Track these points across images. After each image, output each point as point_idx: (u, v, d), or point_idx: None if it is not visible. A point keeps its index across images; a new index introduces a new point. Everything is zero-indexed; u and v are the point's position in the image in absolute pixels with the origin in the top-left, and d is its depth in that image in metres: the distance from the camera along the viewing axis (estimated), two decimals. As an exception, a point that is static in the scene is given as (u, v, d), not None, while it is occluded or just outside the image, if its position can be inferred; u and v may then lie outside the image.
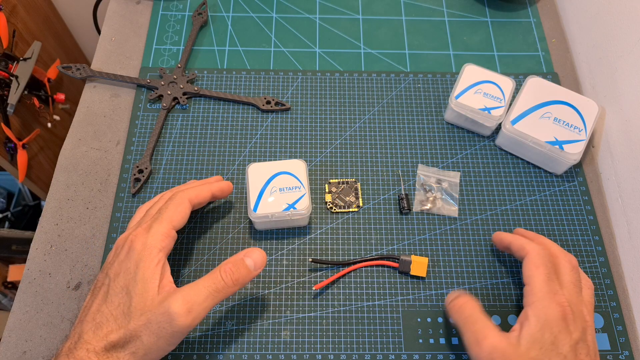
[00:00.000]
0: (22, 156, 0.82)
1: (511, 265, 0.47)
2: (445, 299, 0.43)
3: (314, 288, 0.44)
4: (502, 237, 0.44)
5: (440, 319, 0.44)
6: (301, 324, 0.44)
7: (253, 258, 0.38)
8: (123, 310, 0.35)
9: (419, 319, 0.44)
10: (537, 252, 0.40)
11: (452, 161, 0.52)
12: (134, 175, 0.50)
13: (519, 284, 0.46)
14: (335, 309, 0.45)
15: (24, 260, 0.77)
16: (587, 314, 0.38)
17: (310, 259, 0.45)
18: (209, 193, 0.43)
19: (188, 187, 0.43)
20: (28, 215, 1.10)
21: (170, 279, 0.37)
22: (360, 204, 0.49)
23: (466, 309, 0.39)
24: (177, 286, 0.37)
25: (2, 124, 0.77)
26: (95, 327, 0.34)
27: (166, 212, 0.39)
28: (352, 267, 0.46)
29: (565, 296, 0.37)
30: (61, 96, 0.84)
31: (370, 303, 0.45)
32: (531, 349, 0.35)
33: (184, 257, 0.46)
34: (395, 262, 0.46)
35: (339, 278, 0.46)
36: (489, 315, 0.39)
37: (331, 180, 0.50)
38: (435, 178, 0.51)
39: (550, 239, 0.48)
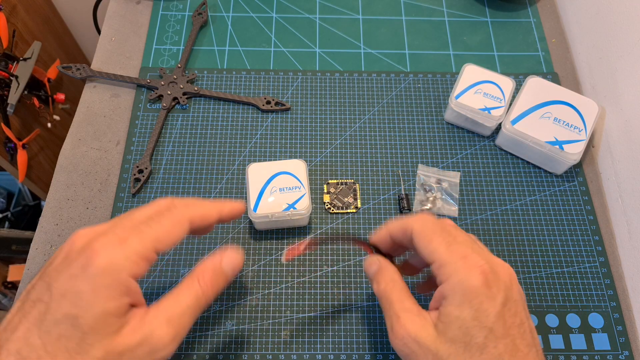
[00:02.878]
0: (22, 156, 0.82)
1: (511, 265, 0.47)
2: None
3: (283, 260, 0.42)
4: (377, 239, 0.37)
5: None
6: (301, 324, 0.44)
7: (231, 262, 0.33)
8: (66, 346, 0.26)
9: (419, 319, 0.44)
10: (422, 222, 0.34)
11: (452, 161, 0.52)
12: (134, 175, 0.50)
13: (521, 284, 0.46)
14: (335, 308, 0.45)
15: (24, 260, 0.77)
16: (501, 267, 0.33)
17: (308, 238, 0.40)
18: (217, 215, 0.34)
19: (192, 202, 0.33)
20: (28, 215, 1.10)
21: (142, 300, 0.30)
22: (359, 205, 0.49)
23: (382, 279, 0.34)
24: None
25: (2, 124, 0.77)
26: None
27: (155, 227, 0.30)
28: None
29: (479, 256, 0.31)
30: (61, 96, 0.84)
31: (371, 303, 0.45)
32: (448, 330, 0.30)
33: (184, 257, 0.46)
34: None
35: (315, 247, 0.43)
36: (408, 289, 0.34)
37: (330, 181, 0.50)
38: (435, 178, 0.51)
39: (550, 239, 0.48)
